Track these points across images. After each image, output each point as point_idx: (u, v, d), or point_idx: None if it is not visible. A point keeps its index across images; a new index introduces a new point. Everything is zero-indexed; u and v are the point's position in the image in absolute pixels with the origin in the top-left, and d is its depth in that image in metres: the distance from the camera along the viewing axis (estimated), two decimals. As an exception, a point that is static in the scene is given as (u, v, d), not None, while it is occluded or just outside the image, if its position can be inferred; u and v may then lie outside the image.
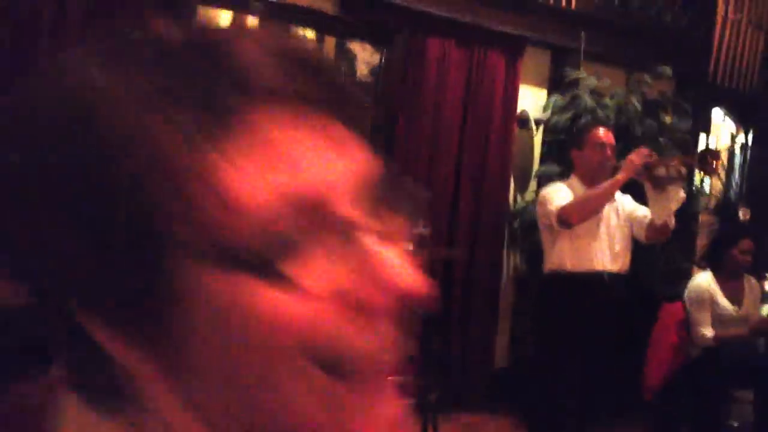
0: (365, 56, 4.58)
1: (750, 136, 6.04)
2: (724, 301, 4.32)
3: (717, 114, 5.92)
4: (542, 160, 4.83)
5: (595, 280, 3.39)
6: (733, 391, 4.44)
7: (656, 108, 4.63)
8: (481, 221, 4.59)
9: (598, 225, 3.38)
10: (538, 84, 4.93)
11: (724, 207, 4.73)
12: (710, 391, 4.43)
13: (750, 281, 4.45)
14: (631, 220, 3.46)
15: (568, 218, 3.26)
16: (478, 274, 4.62)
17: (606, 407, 3.79)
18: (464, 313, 4.48)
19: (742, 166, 5.75)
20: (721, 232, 4.76)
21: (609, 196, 3.31)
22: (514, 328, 4.99)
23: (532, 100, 4.89)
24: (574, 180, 3.50)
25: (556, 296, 3.43)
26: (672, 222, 3.34)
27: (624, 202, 3.56)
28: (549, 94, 4.90)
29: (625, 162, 3.30)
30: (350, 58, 4.51)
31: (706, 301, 4.30)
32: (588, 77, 4.69)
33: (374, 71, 4.55)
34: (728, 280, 4.34)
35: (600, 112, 4.48)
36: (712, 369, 4.27)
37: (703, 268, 5.08)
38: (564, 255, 3.39)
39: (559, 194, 3.38)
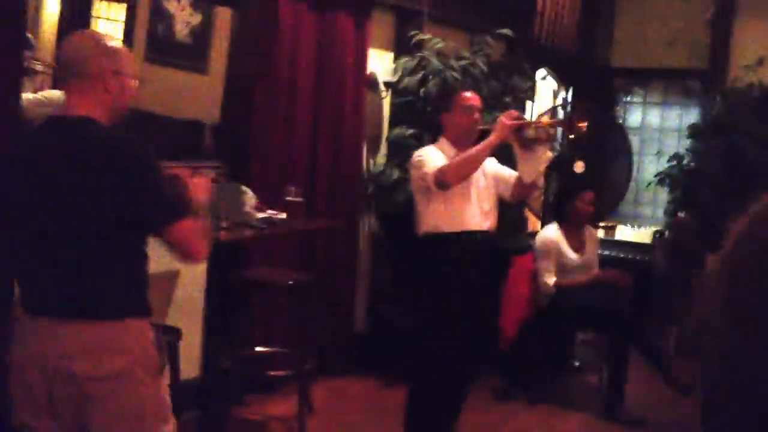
0: (184, 16, 4.36)
1: (570, 93, 6.45)
2: (568, 251, 4.62)
3: (539, 73, 6.23)
4: (393, 124, 4.86)
5: (468, 239, 3.48)
6: (576, 334, 4.77)
7: (499, 69, 4.80)
8: (338, 186, 4.57)
9: (468, 187, 3.45)
10: (385, 47, 4.94)
11: (560, 161, 5.02)
12: (556, 336, 4.77)
13: (589, 230, 4.79)
14: (497, 180, 3.57)
15: (445, 180, 3.32)
16: (336, 240, 4.61)
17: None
18: (325, 279, 4.46)
19: (567, 122, 6.12)
20: (564, 186, 5.07)
21: (483, 158, 3.40)
22: (371, 292, 5.05)
23: (379, 63, 4.90)
24: (444, 143, 3.55)
25: (433, 257, 3.49)
26: (540, 181, 3.49)
27: (488, 163, 3.67)
28: (396, 57, 4.92)
29: (495, 124, 3.40)
30: (167, 17, 4.27)
31: (551, 251, 4.59)
32: (433, 39, 4.76)
33: (195, 32, 4.34)
34: (572, 230, 4.65)
35: (448, 74, 4.57)
36: (558, 315, 4.58)
37: (541, 219, 5.41)
38: (438, 217, 3.45)
39: (434, 157, 3.43)
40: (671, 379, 4.37)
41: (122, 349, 2.02)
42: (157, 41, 3.99)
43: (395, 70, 4.82)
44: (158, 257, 2.19)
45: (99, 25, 3.81)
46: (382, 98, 4.96)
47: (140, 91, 2.24)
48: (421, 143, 4.66)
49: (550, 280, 4.55)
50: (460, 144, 3.50)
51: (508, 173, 3.59)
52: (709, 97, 6.37)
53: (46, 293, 2.06)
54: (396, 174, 4.60)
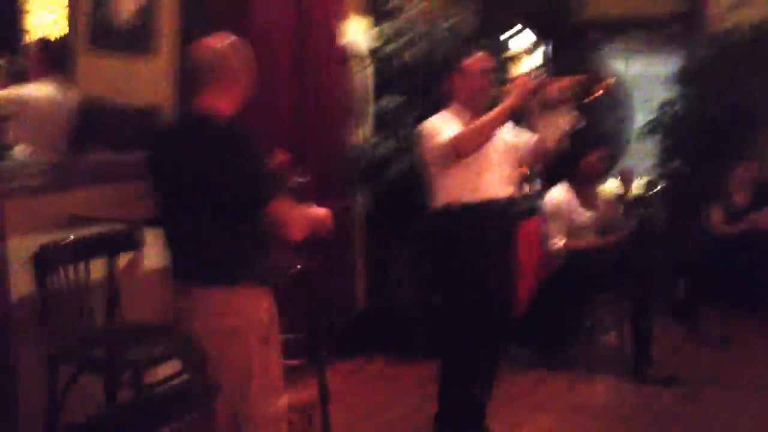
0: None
1: (550, 47, 6.21)
2: (580, 210, 4.41)
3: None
4: (379, 93, 4.59)
5: (491, 207, 3.26)
6: (594, 296, 4.56)
7: (491, 27, 4.55)
8: (329, 165, 4.30)
9: (487, 153, 3.23)
10: (361, 12, 4.66)
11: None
12: (572, 299, 4.56)
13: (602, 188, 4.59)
14: (517, 144, 3.35)
15: (462, 148, 3.10)
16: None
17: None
18: (324, 260, 4.19)
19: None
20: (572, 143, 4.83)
21: (502, 122, 3.17)
22: (369, 269, 4.82)
23: (356, 30, 4.61)
24: (456, 108, 3.32)
25: (456, 229, 3.26)
26: (565, 143, 3.27)
27: (506, 127, 3.45)
28: (375, 23, 4.64)
29: (513, 86, 3.16)
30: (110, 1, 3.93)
31: (562, 211, 4.38)
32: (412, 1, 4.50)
33: (141, 13, 3.99)
34: (583, 188, 4.43)
35: (437, 35, 4.31)
36: (573, 278, 4.37)
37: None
38: (458, 186, 3.23)
39: (447, 125, 3.20)
40: (703, 334, 4.19)
41: (233, 312, 2.27)
42: (101, 26, 3.70)
43: (377, 36, 4.55)
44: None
45: (37, 16, 3.62)
46: (364, 67, 4.68)
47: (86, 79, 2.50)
48: (411, 112, 4.42)
49: (561, 242, 4.34)
50: (473, 109, 3.26)
51: (528, 136, 3.36)
52: (692, 42, 6.19)
53: (180, 261, 2.37)
54: (390, 146, 4.34)
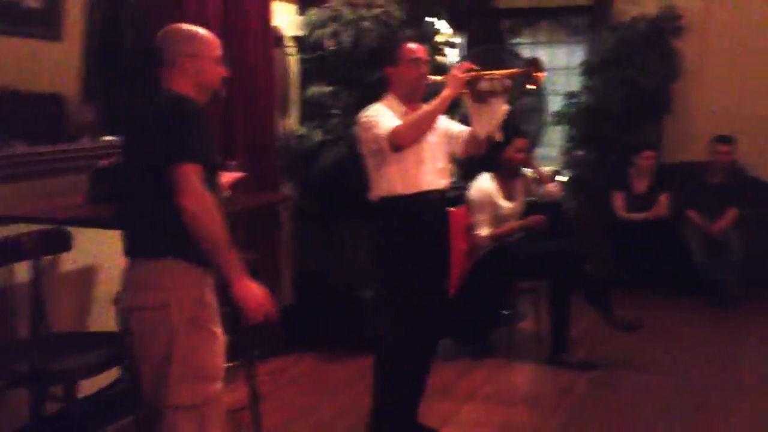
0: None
1: (466, 40, 6.30)
2: (501, 200, 4.50)
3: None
4: (306, 81, 4.52)
5: (425, 200, 3.28)
6: (516, 284, 4.68)
7: (414, 18, 4.55)
8: (259, 153, 4.21)
9: (421, 146, 3.23)
10: (285, 0, 4.57)
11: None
12: (495, 288, 4.66)
13: (523, 177, 4.68)
14: (449, 137, 3.36)
15: (400, 141, 3.09)
16: (257, 213, 4.25)
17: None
18: (249, 255, 4.11)
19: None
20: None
21: (439, 114, 3.18)
22: (297, 264, 4.76)
23: (284, 16, 4.52)
24: (391, 99, 3.30)
25: (391, 222, 3.27)
26: (498, 135, 3.31)
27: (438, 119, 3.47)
28: (302, 10, 4.55)
29: (449, 77, 3.17)
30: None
31: (485, 201, 4.46)
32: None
33: None
34: (505, 179, 4.52)
35: (363, 24, 4.28)
36: (496, 267, 4.47)
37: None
38: (393, 179, 3.23)
39: (384, 116, 3.18)
40: (614, 318, 4.38)
41: (157, 286, 2.23)
42: (2, 7, 3.46)
43: (303, 24, 4.47)
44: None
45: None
46: (289, 55, 4.59)
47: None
48: (339, 101, 4.39)
49: (485, 231, 4.43)
50: (409, 100, 3.26)
51: (459, 128, 3.40)
52: (596, 33, 6.41)
53: (124, 237, 2.34)
54: (318, 136, 4.29)
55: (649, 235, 5.64)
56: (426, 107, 3.13)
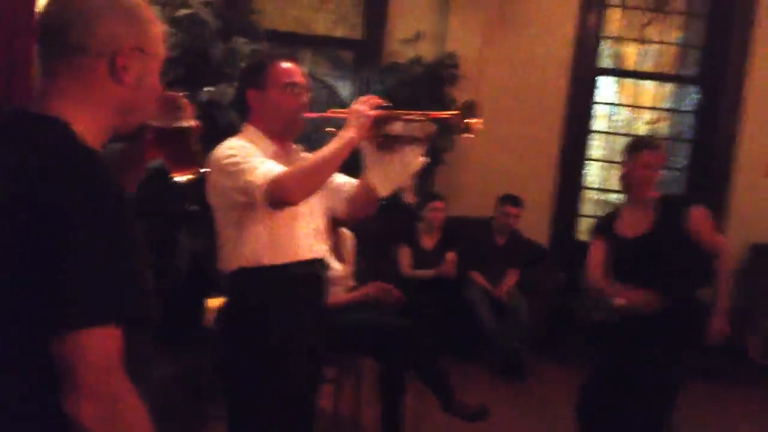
0: None
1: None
2: (335, 263, 3.74)
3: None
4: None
5: (302, 272, 2.43)
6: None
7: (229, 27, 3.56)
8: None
9: None
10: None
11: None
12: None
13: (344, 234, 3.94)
14: (327, 189, 2.51)
15: (286, 195, 2.22)
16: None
17: None
18: None
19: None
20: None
21: (339, 162, 2.32)
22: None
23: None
24: (253, 133, 2.42)
25: (252, 302, 2.36)
26: (412, 196, 2.53)
27: None
28: None
29: (351, 114, 2.34)
30: None
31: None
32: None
33: None
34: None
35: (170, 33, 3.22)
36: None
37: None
38: (260, 245, 2.35)
39: (256, 158, 2.28)
40: (456, 406, 3.78)
41: None
42: None
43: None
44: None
45: None
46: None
47: None
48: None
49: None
50: (279, 136, 2.44)
51: (343, 179, 2.57)
52: (365, 71, 5.87)
53: None
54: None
55: (437, 296, 5.18)
56: (323, 152, 2.26)
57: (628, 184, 3.35)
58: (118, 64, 1.30)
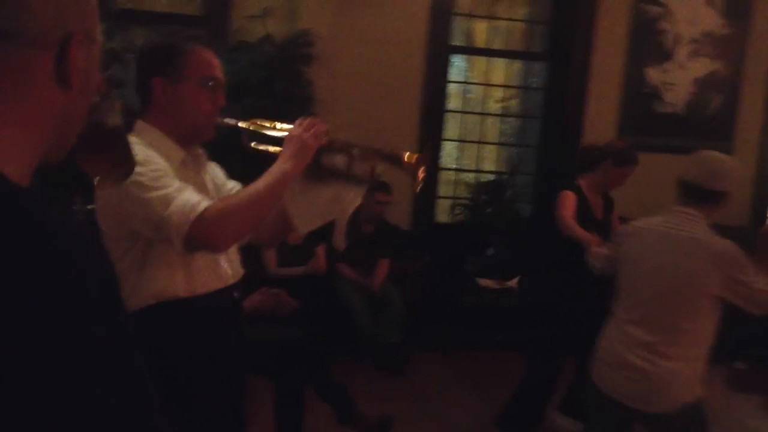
0: None
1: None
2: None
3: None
4: None
5: (216, 304, 2.09)
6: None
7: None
8: None
9: None
10: None
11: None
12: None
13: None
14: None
15: (213, 243, 1.89)
16: None
17: None
18: None
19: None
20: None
21: (276, 200, 1.96)
22: None
23: None
24: (156, 134, 2.00)
25: (162, 342, 1.96)
26: (341, 243, 2.20)
27: (224, 184, 2.25)
28: None
29: (292, 141, 1.98)
30: None
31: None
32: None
33: None
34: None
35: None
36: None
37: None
38: (169, 277, 1.96)
39: (167, 180, 1.87)
40: (357, 418, 3.50)
41: None
42: None
43: None
44: None
45: None
46: None
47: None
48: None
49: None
50: (183, 141, 2.04)
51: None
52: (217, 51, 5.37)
53: None
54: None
55: (307, 294, 4.84)
56: (256, 188, 1.90)
57: (605, 185, 3.97)
58: (70, 59, 0.85)
